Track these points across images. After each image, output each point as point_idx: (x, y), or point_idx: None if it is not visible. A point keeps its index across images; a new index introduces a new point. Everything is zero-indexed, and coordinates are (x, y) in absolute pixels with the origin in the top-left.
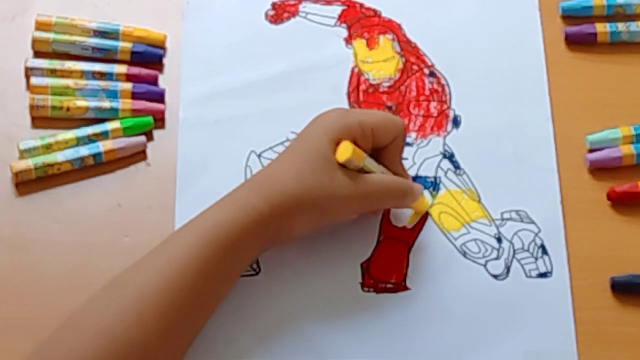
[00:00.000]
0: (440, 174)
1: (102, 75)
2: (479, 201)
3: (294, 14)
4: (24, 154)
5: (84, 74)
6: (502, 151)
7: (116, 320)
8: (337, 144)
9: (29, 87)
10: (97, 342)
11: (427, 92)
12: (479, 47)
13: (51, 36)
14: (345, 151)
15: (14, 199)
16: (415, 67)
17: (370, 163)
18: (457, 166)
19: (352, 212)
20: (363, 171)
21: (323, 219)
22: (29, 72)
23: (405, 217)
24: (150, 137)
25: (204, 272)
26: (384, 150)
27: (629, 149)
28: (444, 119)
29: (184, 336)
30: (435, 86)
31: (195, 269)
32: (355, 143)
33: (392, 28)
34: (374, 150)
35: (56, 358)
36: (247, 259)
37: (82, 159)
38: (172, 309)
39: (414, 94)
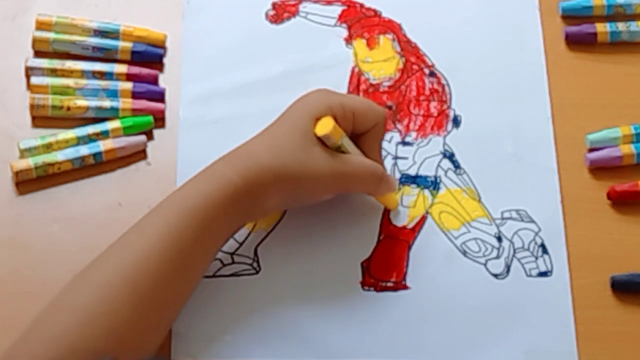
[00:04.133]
0: (440, 173)
1: (102, 75)
2: (479, 200)
3: (294, 13)
4: (24, 153)
5: (84, 73)
6: (502, 150)
7: (89, 294)
8: (317, 120)
9: (29, 86)
10: (72, 318)
11: (427, 92)
12: (479, 47)
13: (51, 35)
14: (325, 126)
15: (14, 198)
16: (415, 67)
17: (348, 144)
18: (457, 165)
19: (326, 190)
20: (340, 150)
21: (297, 194)
22: (29, 72)
23: (405, 216)
24: (150, 136)
25: (177, 245)
26: (364, 136)
27: (628, 148)
28: (443, 119)
29: (160, 310)
30: (435, 86)
31: (168, 241)
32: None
33: (392, 28)
34: (354, 136)
35: (37, 338)
36: (223, 233)
37: (82, 158)
38: (145, 280)
39: (414, 93)
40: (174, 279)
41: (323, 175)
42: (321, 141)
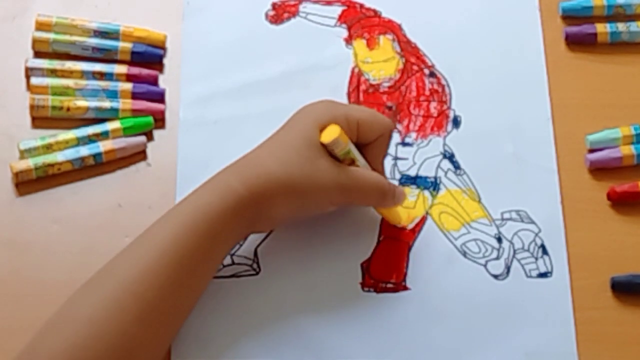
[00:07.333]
0: (440, 173)
1: (102, 75)
2: (479, 201)
3: (294, 14)
4: (24, 153)
5: (84, 74)
6: (502, 151)
7: (96, 308)
8: (323, 130)
9: (29, 87)
10: (79, 332)
11: (427, 92)
12: (479, 47)
13: (51, 36)
14: (332, 132)
15: (14, 199)
16: (415, 67)
17: (354, 151)
18: (457, 166)
19: (331, 202)
20: (347, 157)
21: (302, 206)
22: (29, 72)
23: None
24: (150, 137)
25: (183, 257)
26: (368, 146)
27: (628, 149)
28: (443, 119)
29: (166, 322)
30: (435, 86)
31: (174, 253)
32: None
33: (392, 28)
34: (358, 147)
35: (44, 351)
36: (228, 243)
37: (82, 159)
38: (152, 294)
39: (414, 94)
40: (180, 290)
41: (328, 187)
42: (327, 151)
